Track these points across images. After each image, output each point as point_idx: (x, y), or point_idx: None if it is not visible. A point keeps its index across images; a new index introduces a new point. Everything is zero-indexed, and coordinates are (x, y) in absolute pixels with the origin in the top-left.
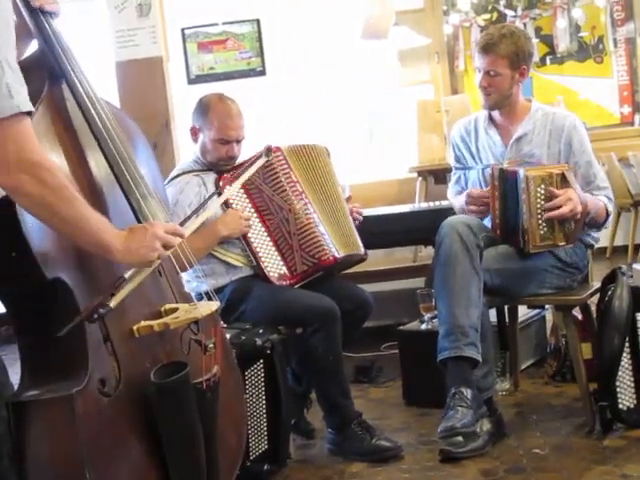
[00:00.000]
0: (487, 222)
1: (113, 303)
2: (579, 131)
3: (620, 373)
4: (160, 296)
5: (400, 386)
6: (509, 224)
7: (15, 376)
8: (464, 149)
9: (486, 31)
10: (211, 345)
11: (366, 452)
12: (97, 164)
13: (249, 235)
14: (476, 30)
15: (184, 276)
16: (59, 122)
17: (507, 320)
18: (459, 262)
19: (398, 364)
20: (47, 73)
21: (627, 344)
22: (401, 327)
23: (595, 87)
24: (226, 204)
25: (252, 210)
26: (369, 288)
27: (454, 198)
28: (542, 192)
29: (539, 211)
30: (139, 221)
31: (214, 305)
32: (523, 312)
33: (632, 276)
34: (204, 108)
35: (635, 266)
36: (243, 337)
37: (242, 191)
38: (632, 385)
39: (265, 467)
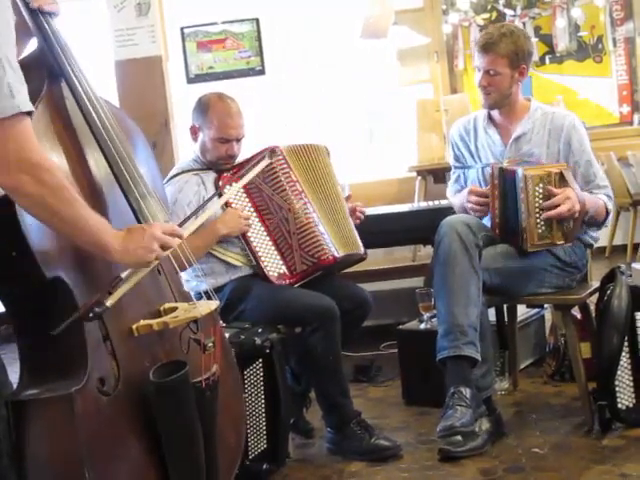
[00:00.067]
0: (486, 221)
1: (109, 302)
2: (578, 130)
3: (619, 372)
4: (159, 295)
5: (399, 385)
6: (508, 223)
7: (14, 375)
8: (463, 148)
9: (486, 30)
10: (210, 344)
11: (365, 451)
12: (96, 163)
13: (248, 234)
14: (475, 29)
15: (183, 275)
16: (58, 121)
17: (506, 319)
18: (458, 261)
19: (397, 363)
20: (46, 72)
21: (626, 343)
22: (400, 326)
23: (594, 86)
24: (226, 203)
25: (252, 209)
26: (368, 287)
27: (453, 197)
28: (540, 191)
29: (537, 210)
30: (138, 221)
31: (213, 304)
32: (522, 311)
33: (631, 275)
34: (204, 107)
35: (634, 265)
36: (242, 336)
37: (242, 190)
38: (631, 384)
39: (264, 466)
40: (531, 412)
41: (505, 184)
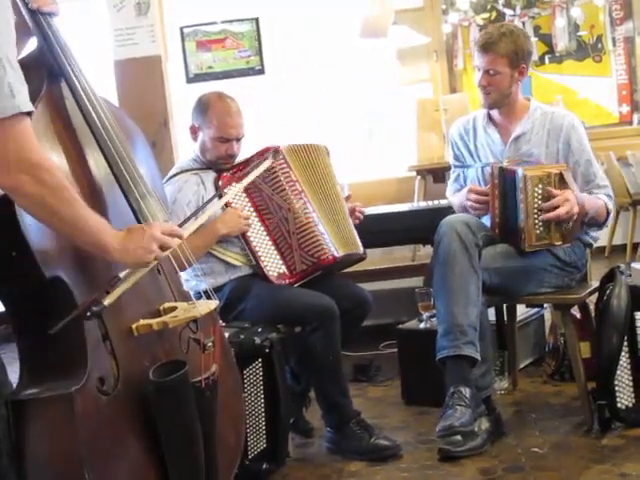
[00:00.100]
0: (486, 221)
1: (107, 301)
2: (578, 130)
3: (618, 372)
4: (159, 295)
5: (399, 385)
6: (508, 223)
7: (14, 375)
8: (463, 147)
9: (485, 30)
10: (210, 344)
11: (365, 451)
12: (96, 163)
13: (248, 234)
14: (475, 29)
15: (183, 275)
16: (58, 121)
17: (506, 319)
18: (458, 261)
19: (397, 363)
20: (46, 72)
21: (625, 343)
22: (400, 326)
23: (594, 86)
24: (225, 203)
25: (251, 209)
26: (368, 287)
27: (453, 196)
28: (539, 192)
29: (536, 211)
30: (138, 220)
31: (213, 304)
32: (522, 311)
33: (630, 275)
34: (203, 106)
35: (633, 265)
36: (242, 336)
37: (241, 190)
38: (630, 384)
39: (264, 466)
40: (530, 412)
41: (505, 184)
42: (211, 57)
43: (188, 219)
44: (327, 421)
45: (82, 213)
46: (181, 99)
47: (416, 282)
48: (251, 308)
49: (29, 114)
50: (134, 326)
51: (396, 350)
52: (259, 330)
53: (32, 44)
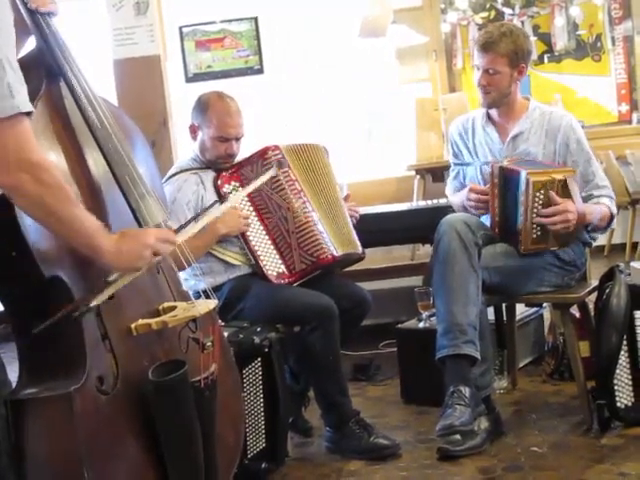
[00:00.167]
0: (486, 220)
1: (94, 303)
2: (576, 131)
3: (618, 371)
4: (158, 294)
5: (398, 384)
6: (508, 222)
7: (13, 374)
8: (462, 146)
9: (485, 29)
10: (209, 343)
11: (364, 450)
12: (95, 163)
13: (248, 234)
14: (474, 28)
15: (182, 274)
16: (57, 120)
17: (505, 318)
18: (457, 260)
19: (396, 362)
20: (45, 71)
21: (625, 342)
22: (399, 325)
23: (593, 85)
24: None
25: (251, 209)
26: (367, 286)
27: (453, 195)
28: (541, 197)
29: (535, 215)
30: (137, 220)
31: (212, 303)
32: (521, 310)
33: (630, 274)
34: (203, 106)
35: (633, 264)
36: (241, 335)
37: (241, 190)
38: (630, 383)
39: (263, 465)
40: (530, 411)
41: (505, 183)
42: (210, 56)
43: (189, 222)
44: (326, 420)
45: (78, 214)
46: (180, 98)
47: (415, 281)
48: (250, 307)
49: (29, 114)
50: (133, 326)
51: (395, 349)
52: (258, 329)
53: (31, 44)
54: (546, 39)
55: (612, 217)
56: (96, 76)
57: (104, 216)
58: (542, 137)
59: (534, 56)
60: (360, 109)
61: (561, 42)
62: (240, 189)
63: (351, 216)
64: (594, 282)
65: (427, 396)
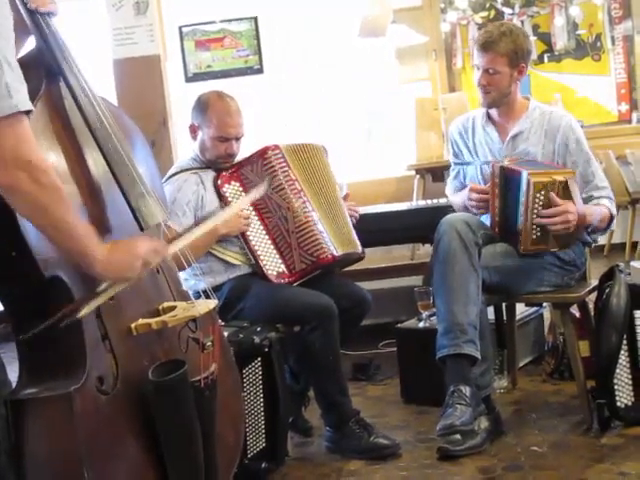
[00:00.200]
0: (486, 220)
1: (82, 313)
2: (575, 131)
3: (618, 371)
4: (158, 294)
5: (398, 384)
6: (508, 222)
7: (13, 374)
8: (462, 145)
9: (485, 29)
10: (209, 343)
11: (364, 450)
12: (95, 162)
13: (247, 233)
14: (473, 28)
15: (182, 274)
16: (57, 120)
17: (505, 318)
18: (458, 260)
19: (396, 362)
20: (44, 71)
21: (625, 342)
22: (399, 325)
23: (593, 85)
24: (225, 202)
25: (250, 208)
26: (367, 286)
27: (453, 195)
28: (542, 198)
29: (535, 216)
30: (137, 219)
31: (212, 303)
32: (521, 310)
33: (630, 274)
34: (203, 106)
35: (633, 264)
36: (241, 335)
37: (241, 189)
38: (630, 383)
39: (263, 465)
40: (530, 411)
41: (506, 183)
42: (210, 56)
43: (189, 230)
44: (326, 420)
45: (73, 219)
46: (180, 98)
47: (415, 281)
48: (250, 307)
49: (28, 113)
50: (133, 325)
51: (395, 349)
52: (258, 329)
53: (31, 43)
54: (546, 39)
55: (612, 218)
56: (96, 76)
57: (104, 216)
58: (541, 137)
59: (534, 56)
60: (360, 109)
61: (561, 42)
62: (233, 202)
63: (351, 216)
64: (594, 282)
65: (427, 396)
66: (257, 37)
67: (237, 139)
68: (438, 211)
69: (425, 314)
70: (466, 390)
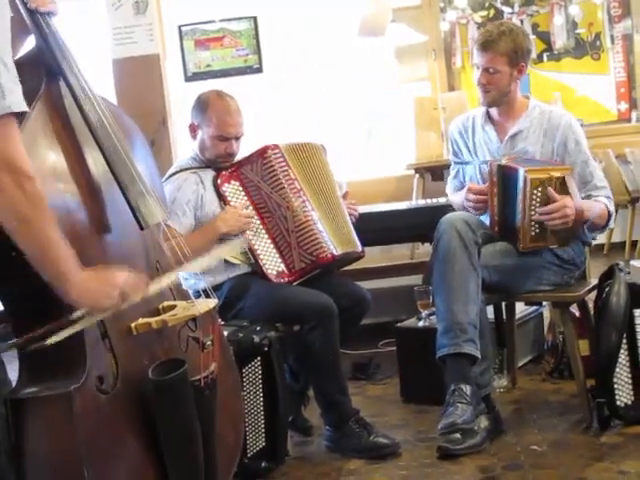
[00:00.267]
0: (485, 219)
1: (50, 341)
2: (575, 130)
3: (617, 370)
4: (158, 293)
5: (398, 383)
6: (507, 221)
7: (13, 373)
8: (462, 144)
9: (485, 28)
10: (209, 342)
11: (364, 449)
12: (95, 162)
13: (247, 233)
14: (473, 27)
15: (182, 273)
16: (57, 120)
17: (505, 317)
18: (457, 259)
19: (396, 361)
20: (44, 71)
21: (624, 341)
22: (399, 324)
23: (592, 84)
24: (224, 201)
25: (250, 208)
26: (367, 285)
27: (453, 195)
28: (539, 194)
29: (533, 213)
30: (137, 219)
31: (212, 302)
32: (520, 309)
33: (629, 273)
34: (203, 105)
35: (632, 263)
36: (241, 334)
37: (240, 189)
38: (629, 382)
39: (263, 464)
40: (530, 410)
41: (504, 182)
42: (209, 55)
43: (172, 270)
44: (326, 419)
45: (53, 234)
46: (179, 98)
47: (415, 280)
48: (250, 306)
49: (23, 114)
50: (133, 325)
51: (395, 348)
52: (258, 329)
53: (30, 43)
54: (545, 38)
55: (610, 215)
56: (95, 75)
57: (103, 215)
58: (540, 136)
59: (533, 55)
60: (359, 108)
61: (560, 41)
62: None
63: (350, 214)
64: (594, 281)
65: (427, 395)
66: (256, 36)
67: (237, 138)
68: (438, 210)
69: (425, 313)
70: (466, 389)
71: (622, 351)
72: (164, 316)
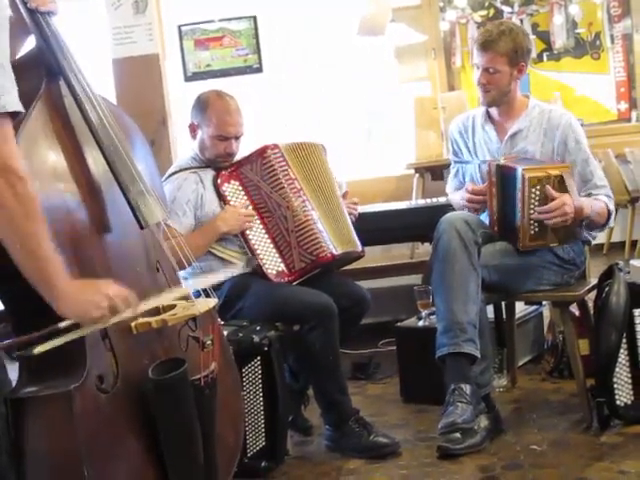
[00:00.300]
0: (485, 218)
1: (37, 350)
2: (575, 130)
3: (617, 369)
4: (158, 293)
5: (397, 383)
6: (506, 220)
7: (13, 373)
8: (462, 144)
9: (485, 28)
10: (209, 342)
11: (364, 449)
12: (95, 161)
13: (247, 232)
14: (473, 27)
15: (182, 273)
16: (57, 119)
17: (504, 316)
18: (457, 259)
19: (395, 361)
20: (45, 70)
21: (624, 340)
22: (398, 324)
23: (592, 83)
24: (224, 201)
25: (250, 207)
26: (366, 285)
27: (453, 194)
28: (537, 193)
29: (532, 212)
30: (137, 218)
31: (212, 302)
32: (520, 308)
33: (629, 272)
34: (203, 105)
35: (632, 262)
36: (240, 334)
37: (240, 188)
38: (629, 381)
39: (263, 464)
40: (529, 409)
41: (502, 181)
42: (209, 55)
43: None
44: (326, 419)
45: (42, 239)
46: (179, 97)
47: (415, 280)
48: (250, 306)
49: (17, 115)
50: (133, 324)
51: (395, 348)
52: (258, 328)
53: (31, 42)
54: (545, 37)
55: (609, 214)
56: (95, 75)
57: (104, 214)
58: (540, 135)
59: (533, 54)
60: (359, 108)
61: (560, 40)
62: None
63: (350, 213)
64: (593, 280)
65: (426, 394)
66: (256, 36)
67: (236, 138)
68: (437, 210)
69: (424, 313)
70: (466, 388)
71: (622, 351)
72: (164, 315)
